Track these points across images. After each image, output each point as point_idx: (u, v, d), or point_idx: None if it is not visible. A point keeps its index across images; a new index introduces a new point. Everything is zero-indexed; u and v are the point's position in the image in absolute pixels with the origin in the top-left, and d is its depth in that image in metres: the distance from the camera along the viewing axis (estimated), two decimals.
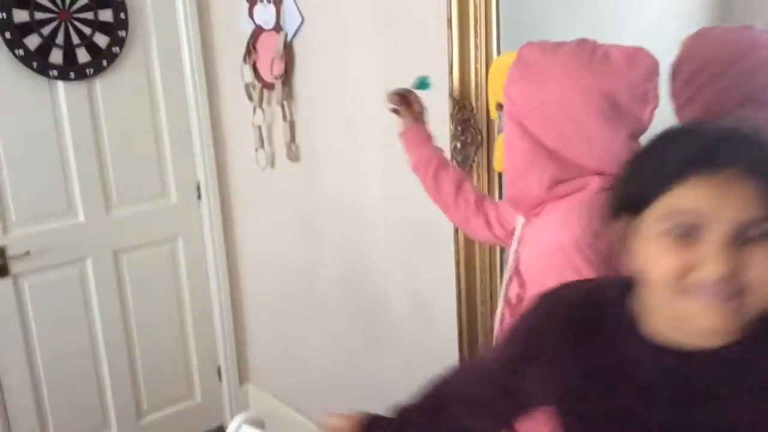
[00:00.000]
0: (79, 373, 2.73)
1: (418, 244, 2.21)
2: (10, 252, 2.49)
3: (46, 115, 2.52)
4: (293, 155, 2.55)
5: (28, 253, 2.52)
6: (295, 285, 2.75)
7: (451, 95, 1.91)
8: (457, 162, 1.94)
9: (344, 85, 2.31)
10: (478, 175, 1.97)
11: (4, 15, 2.35)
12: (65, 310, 2.66)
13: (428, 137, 1.72)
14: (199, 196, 2.93)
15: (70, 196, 2.61)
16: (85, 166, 2.62)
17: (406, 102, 1.72)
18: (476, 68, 1.91)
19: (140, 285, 2.84)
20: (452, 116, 1.94)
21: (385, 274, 2.37)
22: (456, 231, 2.05)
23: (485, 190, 1.95)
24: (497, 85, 1.66)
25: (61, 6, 2.47)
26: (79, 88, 2.57)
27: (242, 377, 3.20)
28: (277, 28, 2.46)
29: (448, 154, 1.87)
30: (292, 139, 2.54)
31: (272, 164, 2.67)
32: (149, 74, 2.73)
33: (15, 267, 2.51)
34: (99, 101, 2.62)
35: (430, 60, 1.96)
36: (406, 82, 2.01)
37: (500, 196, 1.97)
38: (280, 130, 2.57)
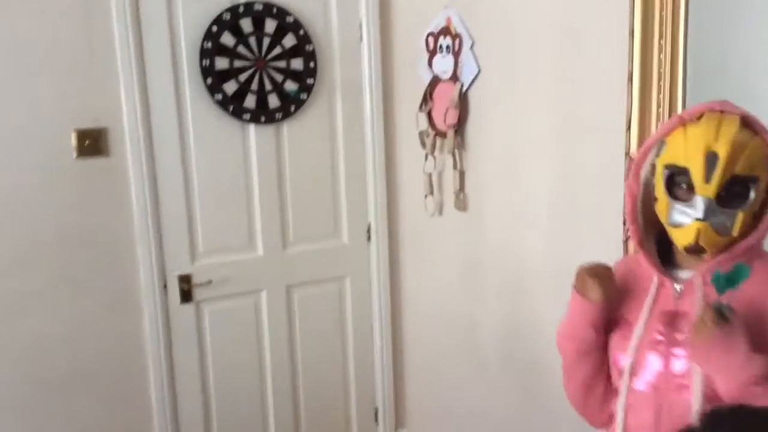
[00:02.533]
0: (246, 396, 2.87)
1: None
2: (195, 280, 2.69)
3: (237, 155, 2.72)
4: (461, 204, 2.53)
5: (210, 281, 2.71)
6: (456, 334, 2.71)
7: (627, 154, 1.80)
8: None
9: (516, 137, 2.27)
10: None
11: (207, 62, 2.59)
12: (239, 337, 2.82)
13: (603, 323, 1.43)
14: (369, 238, 3.00)
15: (252, 231, 2.79)
16: (267, 204, 2.79)
17: (599, 275, 1.42)
18: (657, 125, 1.78)
19: (308, 320, 2.95)
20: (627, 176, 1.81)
21: (550, 333, 2.25)
22: None
23: None
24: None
25: (258, 55, 2.67)
26: (268, 131, 2.75)
27: (398, 422, 3.19)
28: (454, 78, 2.48)
29: (619, 216, 1.76)
30: (461, 188, 2.52)
31: (440, 211, 2.67)
32: (332, 120, 2.87)
33: (198, 294, 2.71)
34: (285, 144, 2.79)
35: (607, 115, 1.87)
36: (580, 137, 1.93)
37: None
38: (449, 179, 2.57)
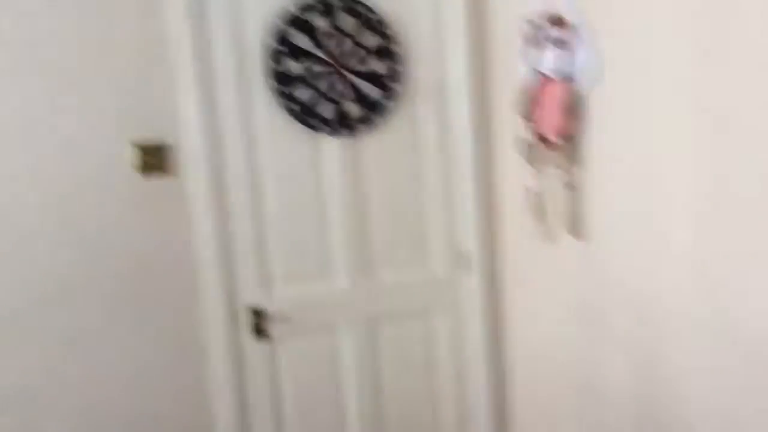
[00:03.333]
0: None
1: (746, 363, 1.58)
2: (270, 311, 2.37)
3: (313, 171, 2.39)
4: (577, 230, 2.08)
5: (285, 314, 2.38)
6: (572, 386, 2.24)
7: None
8: None
9: (650, 147, 1.80)
10: None
11: (278, 67, 2.27)
12: (317, 377, 2.48)
13: None
14: (464, 268, 2.58)
15: (332, 259, 2.45)
16: (347, 227, 2.45)
17: None
18: None
19: (394, 359, 2.56)
20: None
21: (692, 396, 1.77)
22: None
23: None
24: None
25: (336, 57, 2.33)
26: (347, 143, 2.41)
27: None
28: (568, 77, 2.04)
29: None
30: (577, 210, 2.07)
31: (551, 238, 2.22)
32: (420, 130, 2.49)
33: (273, 326, 2.38)
34: (366, 158, 2.45)
35: None
36: (736, 143, 1.45)
37: None
38: (563, 199, 2.12)
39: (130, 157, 2.19)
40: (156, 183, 2.23)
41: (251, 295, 2.36)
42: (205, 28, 2.22)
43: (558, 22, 2.07)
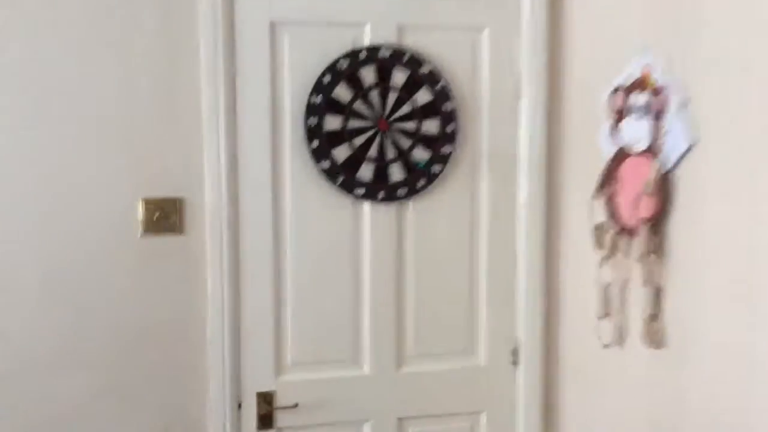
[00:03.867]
0: None
1: None
2: (279, 400, 2.05)
3: (346, 241, 2.09)
4: (654, 336, 1.70)
5: (297, 405, 2.05)
6: None
7: None
8: None
9: (754, 241, 1.43)
10: None
11: (315, 121, 2.01)
12: None
13: None
14: (516, 363, 2.21)
15: (358, 342, 2.13)
16: (380, 308, 2.13)
17: None
18: None
19: None
20: None
21: None
22: None
23: None
24: None
25: (380, 113, 2.05)
26: (387, 211, 2.11)
27: None
28: (652, 150, 1.70)
29: None
30: (657, 311, 1.70)
31: (620, 342, 1.85)
32: (474, 201, 2.17)
33: (281, 419, 2.06)
34: (408, 229, 2.13)
35: None
36: None
37: None
38: (638, 297, 1.75)
39: (138, 213, 1.94)
40: (165, 243, 1.99)
41: (261, 380, 2.05)
42: (236, 73, 1.98)
43: (646, 86, 1.74)
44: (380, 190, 2.08)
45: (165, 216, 1.96)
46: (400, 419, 2.16)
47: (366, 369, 2.13)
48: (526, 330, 2.19)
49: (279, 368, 2.07)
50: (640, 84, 1.77)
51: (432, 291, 2.16)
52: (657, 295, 1.69)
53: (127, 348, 1.98)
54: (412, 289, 2.14)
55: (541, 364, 2.20)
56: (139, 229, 1.95)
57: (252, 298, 2.04)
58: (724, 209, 1.51)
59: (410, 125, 2.08)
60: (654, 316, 1.70)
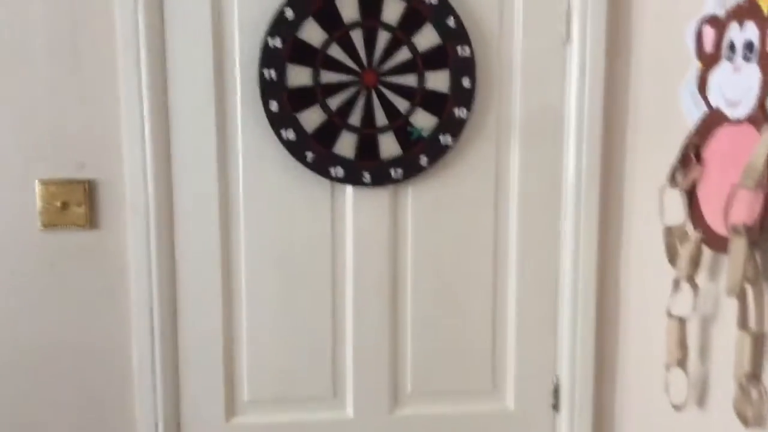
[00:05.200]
0: None
1: None
2: None
3: (319, 239, 1.57)
4: (749, 404, 1.09)
5: None
6: None
7: None
8: None
9: None
10: None
11: (273, 74, 1.46)
12: None
13: None
14: (556, 407, 1.63)
15: (338, 375, 1.60)
16: (368, 329, 1.59)
17: None
18: None
19: None
20: None
21: None
22: None
23: None
24: None
25: (366, 62, 1.48)
26: (378, 199, 1.55)
27: None
28: (761, 116, 1.07)
29: None
30: (758, 369, 1.08)
31: (700, 404, 1.24)
32: (499, 186, 1.59)
33: None
34: (407, 223, 1.58)
35: None
36: None
37: None
38: (730, 341, 1.13)
39: (35, 200, 1.45)
40: (71, 241, 1.50)
41: (207, 424, 1.57)
42: (167, 8, 1.45)
43: (754, 13, 1.10)
44: (367, 169, 1.52)
45: (71, 203, 1.46)
46: None
47: (349, 411, 1.61)
48: (569, 367, 1.60)
49: (231, 409, 1.58)
50: (745, 11, 1.14)
51: (439, 308, 1.61)
52: (758, 345, 1.07)
53: (30, 378, 1.51)
54: (411, 305, 1.60)
55: (589, 412, 1.62)
56: (37, 221, 1.46)
57: (193, 316, 1.54)
58: None
59: (409, 79, 1.50)
60: (754, 375, 1.08)
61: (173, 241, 1.51)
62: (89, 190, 1.47)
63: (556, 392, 1.64)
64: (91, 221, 1.48)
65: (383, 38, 1.48)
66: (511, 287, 1.61)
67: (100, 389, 1.53)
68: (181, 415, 1.56)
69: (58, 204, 1.46)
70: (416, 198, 1.56)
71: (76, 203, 1.47)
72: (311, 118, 1.49)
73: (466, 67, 1.51)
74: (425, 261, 1.58)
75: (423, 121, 1.51)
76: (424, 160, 1.53)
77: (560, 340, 1.62)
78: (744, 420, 1.11)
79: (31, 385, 1.51)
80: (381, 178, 1.53)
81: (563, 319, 1.61)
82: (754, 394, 1.09)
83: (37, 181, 1.45)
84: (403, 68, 1.50)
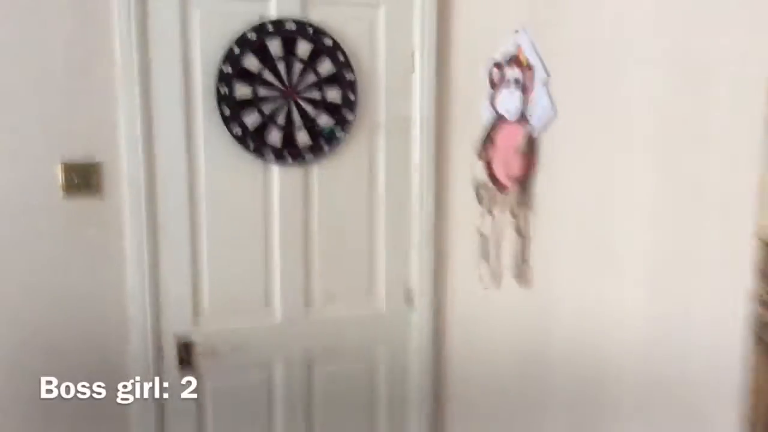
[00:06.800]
0: None
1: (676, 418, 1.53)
2: (198, 346, 2.25)
3: (257, 201, 2.28)
4: (523, 277, 2.02)
5: (215, 347, 2.26)
6: (508, 425, 2.16)
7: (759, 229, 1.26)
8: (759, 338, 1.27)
9: (602, 197, 1.74)
10: None
11: (226, 90, 2.17)
12: (246, 417, 2.35)
13: None
14: (409, 305, 2.50)
15: (269, 289, 2.33)
16: (289, 258, 2.34)
17: None
18: None
19: (333, 398, 2.46)
20: (762, 269, 1.28)
21: None
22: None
23: None
24: None
25: (287, 83, 2.23)
26: (295, 173, 2.31)
27: None
28: (522, 119, 1.98)
29: (740, 320, 1.23)
30: (525, 256, 2.00)
31: (497, 284, 2.15)
32: (373, 164, 2.41)
33: (200, 363, 2.25)
34: (314, 189, 2.34)
35: (733, 179, 1.34)
36: (693, 206, 1.41)
37: None
38: (511, 244, 2.06)
39: (58, 177, 2.05)
40: (84, 205, 2.09)
41: (180, 327, 2.23)
42: (149, 43, 2.10)
43: (519, 63, 2.01)
44: (288, 154, 2.27)
45: (84, 179, 2.08)
46: (308, 358, 2.40)
47: (277, 316, 2.35)
48: (419, 277, 2.48)
49: (197, 317, 2.25)
50: (514, 60, 2.05)
51: (336, 244, 2.39)
52: (525, 243, 2.00)
53: (47, 305, 2.09)
54: (317, 244, 2.36)
55: (431, 306, 2.50)
56: (60, 192, 2.06)
57: (170, 254, 2.19)
58: (578, 169, 1.82)
59: (315, 94, 2.28)
60: (523, 260, 2.01)
61: (156, 202, 2.14)
62: (97, 170, 2.10)
63: (409, 296, 2.50)
64: (98, 192, 2.11)
65: (298, 67, 2.25)
66: (379, 226, 2.42)
67: (98, 303, 2.13)
68: (162, 322, 2.20)
69: (75, 180, 2.08)
70: (321, 172, 2.33)
71: (88, 179, 2.09)
72: (251, 119, 2.22)
73: (351, 86, 2.32)
74: (326, 212, 2.35)
75: (326, 122, 2.30)
76: (326, 147, 2.32)
77: (412, 261, 2.48)
78: (520, 285, 2.03)
79: (53, 310, 2.11)
80: (297, 160, 2.29)
81: (414, 248, 2.47)
82: (524, 268, 2.01)
83: (60, 163, 2.06)
84: (311, 87, 2.27)
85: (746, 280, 1.34)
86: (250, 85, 2.20)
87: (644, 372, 1.63)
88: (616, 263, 1.71)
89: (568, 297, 1.89)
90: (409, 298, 2.50)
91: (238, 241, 2.27)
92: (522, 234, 2.00)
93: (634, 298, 1.65)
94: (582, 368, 1.84)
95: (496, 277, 2.15)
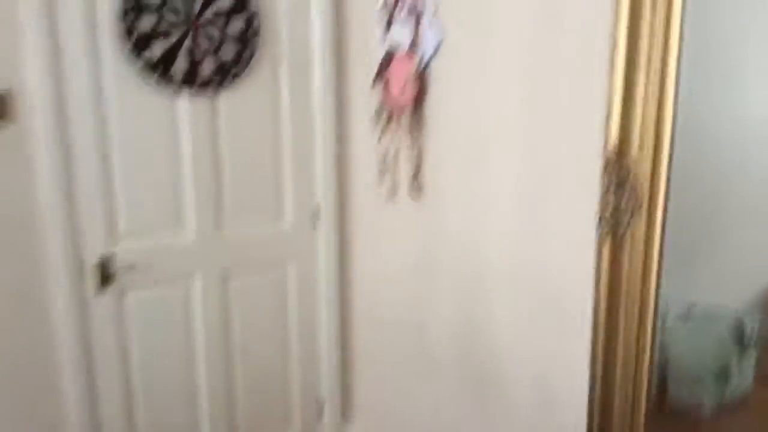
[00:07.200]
0: (175, 394, 2.60)
1: (547, 313, 1.86)
2: (117, 263, 2.39)
3: (165, 127, 2.40)
4: (416, 190, 2.27)
5: (134, 265, 2.41)
6: (407, 330, 2.47)
7: (605, 149, 1.55)
8: (605, 232, 1.58)
9: (481, 119, 2.00)
10: (632, 247, 1.59)
11: (130, 21, 2.25)
12: (167, 328, 2.53)
13: None
14: (315, 222, 2.73)
15: (182, 211, 2.49)
16: (200, 182, 2.49)
17: None
18: (644, 114, 1.53)
19: (246, 308, 2.68)
20: (605, 175, 1.57)
21: (504, 340, 2.04)
22: (596, 305, 1.69)
23: (641, 264, 1.59)
24: None
25: (190, 13, 2.33)
26: (202, 101, 2.44)
27: (345, 416, 2.96)
28: (413, 50, 2.20)
29: (593, 220, 1.53)
30: (417, 172, 2.26)
31: (393, 197, 2.41)
32: (276, 90, 2.57)
33: (119, 279, 2.41)
34: (221, 115, 2.48)
35: (586, 102, 1.61)
36: (554, 124, 1.68)
37: (659, 272, 1.61)
38: (406, 160, 2.30)
39: None
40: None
41: (97, 247, 2.35)
42: None
43: None
44: (193, 83, 2.39)
45: None
46: (223, 272, 2.60)
47: (191, 233, 2.52)
48: (324, 195, 2.70)
49: (114, 237, 2.37)
50: None
51: (244, 167, 2.56)
52: (418, 159, 2.25)
53: None
54: (227, 167, 2.52)
55: (335, 223, 2.74)
56: None
57: (83, 177, 2.28)
58: (464, 92, 2.06)
59: (218, 25, 2.39)
60: (415, 175, 2.26)
61: (66, 124, 2.20)
62: (6, 98, 2.16)
63: (315, 213, 2.73)
64: (8, 118, 2.17)
65: None
66: (287, 151, 2.61)
67: (16, 227, 2.20)
68: (80, 243, 2.30)
69: None
70: (228, 99, 2.46)
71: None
72: (157, 50, 2.29)
73: (253, 18, 2.43)
74: (235, 138, 2.50)
75: (230, 51, 2.42)
76: (230, 76, 2.44)
77: (317, 181, 2.69)
78: (413, 197, 2.28)
79: None
80: (204, 88, 2.41)
81: (318, 166, 2.67)
82: (416, 182, 2.26)
83: None
84: (215, 17, 2.37)
85: (594, 187, 1.63)
86: (154, 16, 2.28)
87: (515, 264, 1.94)
88: (493, 178, 1.99)
89: (454, 207, 2.16)
90: (315, 216, 2.72)
91: (150, 165, 2.39)
92: (415, 150, 2.24)
93: (507, 205, 1.94)
94: (465, 264, 2.14)
95: (393, 191, 2.40)
